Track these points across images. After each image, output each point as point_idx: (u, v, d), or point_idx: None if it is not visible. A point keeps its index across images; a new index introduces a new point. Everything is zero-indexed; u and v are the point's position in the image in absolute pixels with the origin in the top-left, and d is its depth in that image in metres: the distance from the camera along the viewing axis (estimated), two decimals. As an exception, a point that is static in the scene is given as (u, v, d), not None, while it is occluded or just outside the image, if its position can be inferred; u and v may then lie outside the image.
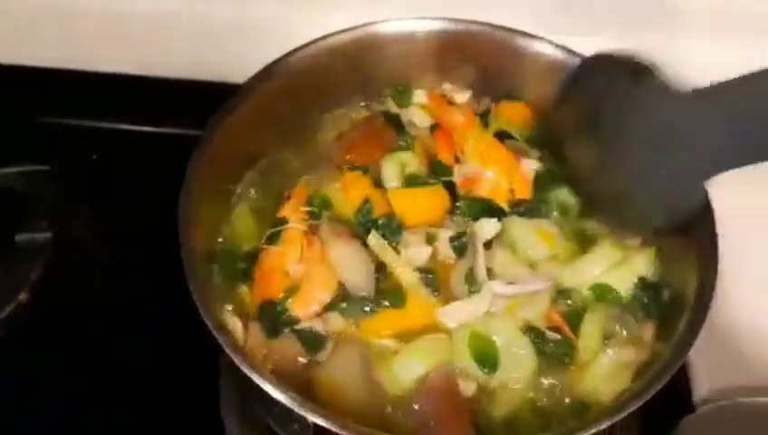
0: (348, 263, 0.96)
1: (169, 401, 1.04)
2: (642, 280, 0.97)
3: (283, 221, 1.01)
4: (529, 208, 1.04)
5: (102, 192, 1.26)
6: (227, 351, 0.83)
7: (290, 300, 0.96)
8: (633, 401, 0.83)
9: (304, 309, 0.95)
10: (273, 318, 0.95)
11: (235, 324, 0.94)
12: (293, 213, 1.02)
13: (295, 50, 1.07)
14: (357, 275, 0.96)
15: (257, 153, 1.09)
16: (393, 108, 1.16)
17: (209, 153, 0.99)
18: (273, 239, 1.00)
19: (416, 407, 0.90)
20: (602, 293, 0.97)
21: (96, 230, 1.23)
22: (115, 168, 1.30)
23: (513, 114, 1.13)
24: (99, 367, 1.06)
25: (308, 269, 0.97)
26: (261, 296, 0.97)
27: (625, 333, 0.94)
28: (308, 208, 1.03)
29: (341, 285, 0.96)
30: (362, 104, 1.16)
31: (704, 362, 1.08)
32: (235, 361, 0.82)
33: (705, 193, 0.89)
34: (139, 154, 1.30)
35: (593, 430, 0.81)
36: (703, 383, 1.07)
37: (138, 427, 1.03)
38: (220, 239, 1.03)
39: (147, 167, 1.27)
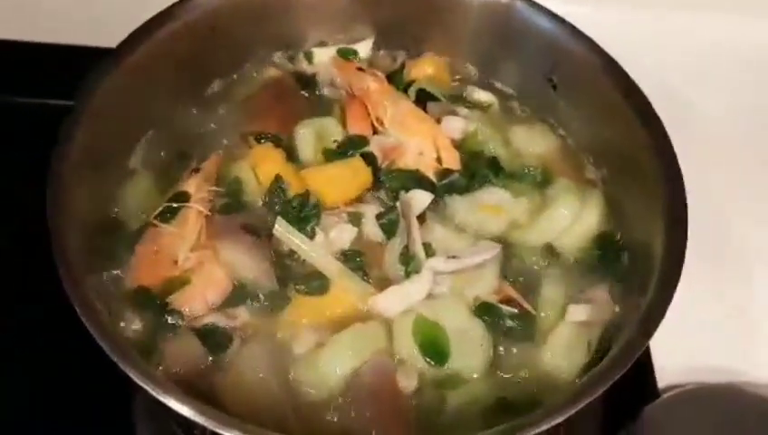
0: (241, 261, 0.82)
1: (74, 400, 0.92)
2: (599, 236, 0.88)
3: (184, 197, 0.85)
4: (461, 183, 0.91)
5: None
6: (103, 347, 0.64)
7: (174, 294, 0.80)
8: (600, 382, 0.70)
9: (190, 308, 0.80)
10: (152, 311, 0.79)
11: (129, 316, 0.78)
12: (198, 190, 0.86)
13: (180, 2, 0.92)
14: (253, 272, 0.82)
15: (151, 119, 0.92)
16: (306, 67, 1.03)
17: (85, 122, 0.82)
18: (167, 216, 0.83)
19: (343, 410, 0.74)
20: (555, 252, 0.87)
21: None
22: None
23: (431, 69, 1.02)
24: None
25: (200, 261, 0.82)
26: (136, 280, 0.81)
27: (582, 293, 0.84)
28: (213, 189, 0.87)
29: (240, 284, 0.82)
30: (270, 62, 1.02)
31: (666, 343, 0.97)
32: (116, 361, 0.63)
33: None
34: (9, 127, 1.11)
35: (559, 419, 0.67)
36: (665, 367, 1.00)
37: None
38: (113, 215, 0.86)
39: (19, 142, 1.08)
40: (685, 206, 0.79)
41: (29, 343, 0.96)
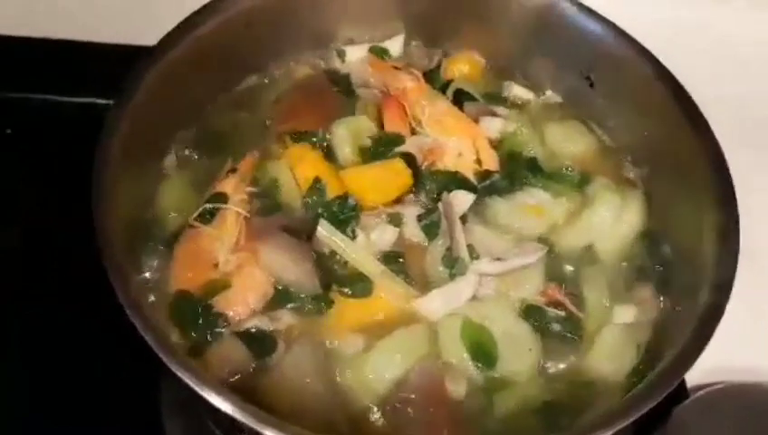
0: (282, 263, 0.80)
1: (107, 402, 0.92)
2: (641, 235, 0.87)
3: (222, 198, 0.83)
4: (502, 185, 0.90)
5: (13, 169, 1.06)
6: (155, 349, 0.63)
7: (216, 297, 0.78)
8: (654, 393, 0.69)
9: (233, 311, 0.78)
10: (195, 314, 0.77)
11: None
12: (235, 191, 0.84)
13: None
14: (295, 275, 0.80)
15: (186, 117, 0.91)
16: (340, 66, 1.01)
17: (125, 119, 0.80)
18: (206, 217, 0.82)
19: (392, 416, 0.73)
20: (597, 253, 0.86)
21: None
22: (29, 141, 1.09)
23: (467, 67, 1.00)
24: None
25: (241, 264, 0.80)
26: (177, 283, 0.79)
27: (627, 294, 0.83)
28: (252, 189, 0.86)
29: (282, 286, 0.80)
30: (303, 60, 1.00)
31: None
32: (165, 361, 0.62)
33: None
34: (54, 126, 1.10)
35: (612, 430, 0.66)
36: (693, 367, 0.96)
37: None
38: (150, 216, 0.85)
39: (62, 140, 1.06)
40: (736, 212, 0.78)
41: (59, 341, 0.96)
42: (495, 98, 0.99)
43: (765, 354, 1.06)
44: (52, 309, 0.98)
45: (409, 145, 0.92)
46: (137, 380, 0.93)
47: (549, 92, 1.01)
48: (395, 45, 1.03)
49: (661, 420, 0.96)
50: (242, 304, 0.78)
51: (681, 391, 1.00)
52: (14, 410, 0.91)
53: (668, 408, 0.96)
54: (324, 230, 0.81)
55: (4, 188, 1.07)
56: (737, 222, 0.77)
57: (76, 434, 0.92)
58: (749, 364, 1.04)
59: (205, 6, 0.89)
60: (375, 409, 0.73)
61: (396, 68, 0.99)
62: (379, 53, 1.02)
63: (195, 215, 0.82)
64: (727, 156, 0.83)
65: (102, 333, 0.94)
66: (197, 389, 0.61)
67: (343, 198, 0.85)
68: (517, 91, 1.00)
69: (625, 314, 0.81)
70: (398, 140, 0.92)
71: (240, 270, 0.80)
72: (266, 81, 0.98)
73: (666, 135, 0.88)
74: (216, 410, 0.62)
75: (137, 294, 0.69)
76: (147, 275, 0.81)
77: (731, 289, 0.73)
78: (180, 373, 0.62)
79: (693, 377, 0.99)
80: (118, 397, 0.93)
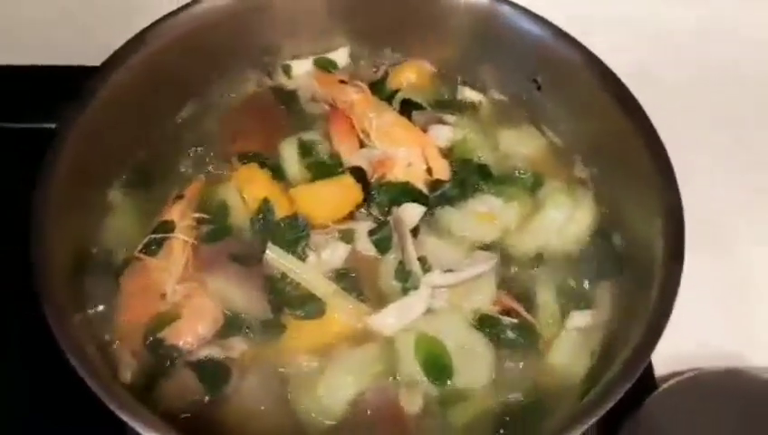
0: (231, 292, 0.80)
1: None
2: (594, 235, 0.88)
3: (168, 226, 0.83)
4: (453, 194, 0.90)
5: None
6: (99, 395, 0.61)
7: (165, 329, 0.78)
8: (618, 384, 0.69)
9: (183, 343, 0.78)
10: (145, 349, 0.77)
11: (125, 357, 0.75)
12: (182, 218, 0.83)
13: (162, 19, 0.89)
14: (244, 302, 0.80)
15: (131, 143, 0.90)
16: (286, 81, 1.00)
17: (67, 149, 0.79)
18: (152, 248, 0.81)
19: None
20: (550, 256, 0.86)
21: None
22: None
23: (414, 76, 1.00)
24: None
25: (189, 294, 0.79)
26: (125, 317, 0.78)
27: (581, 296, 0.83)
28: (198, 215, 0.85)
29: (232, 314, 0.79)
30: (249, 78, 0.99)
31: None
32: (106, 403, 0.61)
33: None
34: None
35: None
36: (661, 356, 0.95)
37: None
38: (95, 250, 0.83)
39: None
40: (678, 200, 0.78)
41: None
42: (444, 105, 0.98)
43: (731, 340, 1.06)
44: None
45: (358, 158, 0.92)
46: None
47: (498, 96, 1.00)
48: (341, 57, 1.02)
49: (631, 412, 0.97)
50: (192, 334, 0.77)
51: (649, 382, 1.00)
52: (14, 410, 0.90)
53: (638, 399, 0.97)
54: (273, 254, 0.81)
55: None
56: (680, 215, 0.78)
57: (76, 434, 0.90)
58: (717, 351, 1.04)
59: (148, 27, 0.88)
60: (332, 431, 0.73)
61: (342, 81, 0.98)
62: (326, 64, 1.01)
63: (140, 247, 0.81)
64: (674, 145, 0.83)
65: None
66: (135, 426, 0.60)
67: (293, 218, 0.85)
68: (468, 94, 1.00)
69: (581, 319, 0.81)
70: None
71: (188, 300, 0.79)
72: (212, 101, 0.96)
73: (608, 131, 0.88)
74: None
75: (79, 336, 0.68)
76: (97, 309, 0.79)
77: (678, 283, 0.74)
78: (119, 412, 0.61)
79: (661, 367, 1.01)
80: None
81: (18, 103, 1.12)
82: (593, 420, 0.67)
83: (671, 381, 0.98)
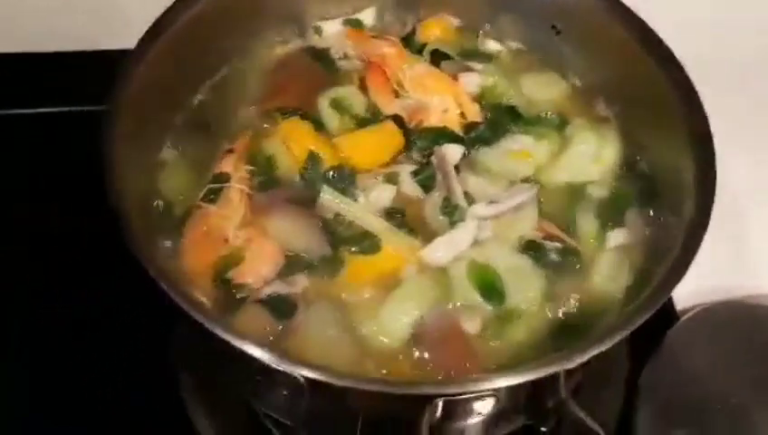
0: (290, 232, 0.84)
1: (106, 402, 0.94)
2: (622, 165, 0.93)
3: (223, 178, 0.87)
4: (487, 135, 0.95)
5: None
6: (198, 318, 0.66)
7: (230, 272, 0.82)
8: (652, 302, 0.74)
9: (248, 283, 0.82)
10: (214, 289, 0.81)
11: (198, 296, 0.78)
12: (236, 170, 0.88)
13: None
14: (303, 241, 0.84)
15: (176, 106, 0.94)
16: (318, 41, 1.04)
17: (120, 120, 0.82)
18: (210, 197, 0.85)
19: (416, 356, 0.77)
20: (582, 186, 0.91)
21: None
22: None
23: (439, 30, 1.04)
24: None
25: (250, 238, 0.84)
26: (190, 262, 0.82)
27: (615, 220, 0.88)
28: (250, 168, 0.89)
29: (293, 254, 0.83)
30: (278, 39, 1.03)
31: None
32: (207, 325, 0.65)
33: None
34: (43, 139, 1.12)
35: (609, 343, 0.71)
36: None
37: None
38: (156, 203, 0.87)
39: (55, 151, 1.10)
40: (708, 129, 0.83)
41: (59, 341, 0.98)
42: (470, 54, 1.03)
43: (747, 273, 1.12)
44: (52, 309, 1.00)
45: (396, 108, 0.96)
46: (137, 380, 0.96)
47: (518, 44, 1.05)
48: (368, 17, 1.06)
49: (655, 345, 1.02)
50: (256, 275, 0.82)
51: (671, 315, 1.06)
52: (14, 410, 0.93)
53: (661, 332, 1.03)
54: (328, 195, 0.85)
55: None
56: (712, 151, 0.82)
57: (76, 434, 0.93)
58: (731, 284, 1.10)
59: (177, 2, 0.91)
60: (398, 351, 0.78)
61: (373, 37, 1.03)
62: (354, 24, 1.05)
63: (201, 196, 0.86)
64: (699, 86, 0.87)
65: (102, 332, 0.99)
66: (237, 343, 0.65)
67: (338, 167, 0.89)
68: (491, 45, 1.05)
69: (615, 237, 0.86)
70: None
71: (250, 244, 0.83)
72: (248, 63, 1.00)
73: (632, 70, 0.92)
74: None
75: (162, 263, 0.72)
76: (165, 256, 0.83)
77: (712, 204, 0.78)
78: (217, 331, 0.66)
79: (682, 301, 1.07)
80: (118, 397, 0.96)
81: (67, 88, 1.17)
82: (631, 329, 0.72)
83: (690, 314, 1.05)
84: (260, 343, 0.66)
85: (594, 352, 0.69)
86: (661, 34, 0.91)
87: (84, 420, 0.93)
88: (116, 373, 0.97)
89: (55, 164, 1.11)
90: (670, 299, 1.04)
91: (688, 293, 1.08)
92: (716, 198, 0.95)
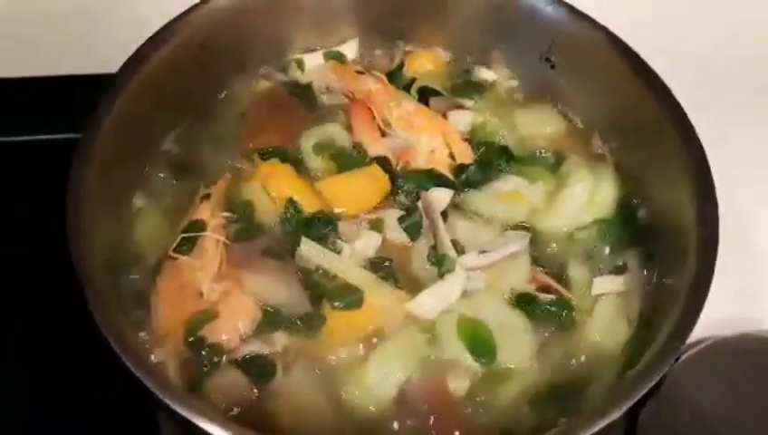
0: (268, 287, 0.80)
1: (107, 402, 0.88)
2: (618, 207, 0.89)
3: (198, 226, 0.82)
4: (477, 177, 0.90)
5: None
6: (152, 389, 0.61)
7: (205, 328, 0.77)
8: (664, 359, 0.70)
9: (224, 341, 0.77)
10: (187, 349, 0.76)
11: (167, 360, 0.74)
12: (212, 217, 0.83)
13: (173, 21, 0.88)
14: (282, 296, 0.79)
15: (151, 147, 0.90)
16: (300, 75, 1.00)
17: (93, 155, 0.79)
18: (184, 247, 0.81)
19: (401, 425, 0.72)
20: (578, 230, 0.87)
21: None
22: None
23: (429, 63, 1.00)
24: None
25: (227, 291, 0.79)
26: (163, 318, 0.78)
27: (611, 265, 0.85)
28: (227, 214, 0.85)
29: (271, 309, 0.79)
30: (262, 74, 0.99)
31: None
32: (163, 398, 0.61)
33: None
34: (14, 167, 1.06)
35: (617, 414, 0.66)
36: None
37: None
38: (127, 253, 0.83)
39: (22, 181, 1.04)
40: (710, 175, 0.79)
41: (59, 341, 0.93)
42: (461, 89, 0.99)
43: (748, 305, 1.07)
44: (52, 309, 0.95)
45: (382, 148, 0.92)
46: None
47: (512, 78, 1.01)
48: (350, 49, 1.02)
49: (657, 385, 0.98)
50: (232, 331, 0.77)
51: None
52: (14, 410, 0.89)
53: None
54: (307, 246, 0.81)
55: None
56: (712, 185, 0.78)
57: (76, 434, 0.90)
58: (734, 316, 1.04)
59: (160, 30, 0.87)
60: (382, 419, 0.73)
61: (358, 72, 0.98)
62: (336, 57, 1.01)
63: (173, 246, 0.81)
64: (693, 116, 0.84)
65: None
66: (197, 422, 0.60)
67: (320, 214, 0.85)
68: (484, 75, 1.01)
69: (609, 283, 0.82)
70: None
71: (226, 298, 0.79)
72: (227, 100, 0.96)
73: (629, 106, 0.89)
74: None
75: (129, 337, 0.68)
76: (134, 311, 0.79)
77: (716, 251, 0.74)
78: (179, 409, 0.61)
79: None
80: (118, 397, 0.89)
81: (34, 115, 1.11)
82: (634, 399, 0.68)
83: (692, 351, 0.98)
84: (221, 423, 0.61)
85: (594, 429, 0.65)
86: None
87: (84, 420, 0.89)
88: (116, 373, 0.92)
89: (55, 164, 1.06)
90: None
91: (699, 325, 1.03)
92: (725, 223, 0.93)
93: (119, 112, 0.81)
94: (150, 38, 0.86)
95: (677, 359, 1.00)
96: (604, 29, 0.90)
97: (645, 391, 0.68)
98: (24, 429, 0.89)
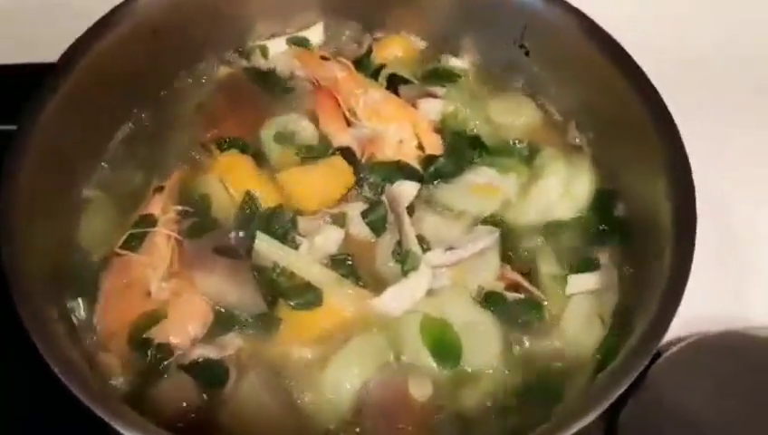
0: (221, 287, 0.75)
1: None
2: (594, 200, 0.84)
3: (149, 221, 0.78)
4: (447, 168, 0.86)
5: None
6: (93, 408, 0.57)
7: (152, 330, 0.73)
8: (635, 359, 0.66)
9: (172, 343, 0.73)
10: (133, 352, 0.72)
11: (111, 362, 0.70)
12: (164, 212, 0.79)
13: (121, 5, 0.83)
14: (235, 296, 0.75)
15: (102, 137, 0.85)
16: (263, 62, 0.95)
17: (32, 147, 0.73)
18: (132, 244, 0.76)
19: (359, 430, 0.69)
20: (552, 224, 0.83)
21: None
22: None
23: (400, 49, 0.96)
24: None
25: (177, 291, 0.75)
26: (108, 318, 0.74)
27: (585, 262, 0.80)
28: (181, 208, 0.80)
29: (224, 310, 0.75)
30: (223, 61, 0.94)
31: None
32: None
33: None
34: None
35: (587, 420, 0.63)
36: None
37: None
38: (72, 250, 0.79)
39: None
40: (688, 167, 0.75)
41: None
42: (432, 77, 0.94)
43: (730, 302, 1.04)
44: None
45: (347, 138, 0.87)
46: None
47: (486, 65, 0.96)
48: (315, 34, 0.97)
49: (637, 384, 0.95)
50: (181, 333, 0.73)
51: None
52: (14, 410, 0.86)
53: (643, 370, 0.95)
54: (263, 243, 0.76)
55: None
56: (690, 177, 0.74)
57: (76, 434, 0.85)
58: (716, 313, 1.01)
59: (106, 16, 0.82)
60: (339, 427, 0.69)
61: (324, 58, 0.93)
62: (301, 43, 0.96)
63: (120, 242, 0.77)
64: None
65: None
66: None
67: (279, 209, 0.80)
68: (456, 63, 0.96)
69: (582, 282, 0.78)
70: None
71: (176, 298, 0.74)
72: (184, 88, 0.91)
73: (606, 95, 0.84)
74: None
75: (61, 343, 0.63)
76: (79, 311, 0.75)
77: (693, 248, 0.70)
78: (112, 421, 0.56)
79: (671, 331, 0.99)
80: None
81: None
82: (609, 401, 0.64)
83: (674, 349, 0.96)
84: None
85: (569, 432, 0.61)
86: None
87: (84, 420, 0.85)
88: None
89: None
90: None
91: (681, 322, 1.00)
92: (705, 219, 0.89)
93: (61, 103, 0.76)
94: (95, 24, 0.81)
95: (659, 357, 0.97)
96: (578, 13, 0.85)
97: (620, 392, 0.64)
98: (25, 429, 0.86)
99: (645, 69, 0.84)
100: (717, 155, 1.09)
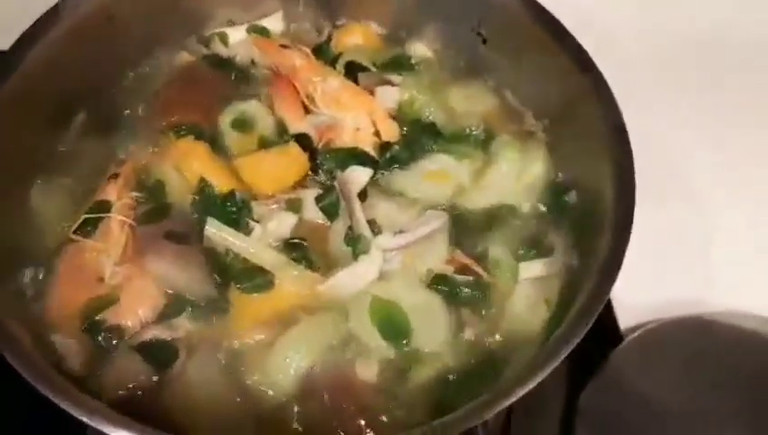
0: (170, 272, 0.76)
1: None
2: (546, 187, 0.85)
3: (104, 206, 0.79)
4: (403, 155, 0.87)
5: None
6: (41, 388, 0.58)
7: (104, 313, 0.74)
8: (567, 340, 0.67)
9: (123, 326, 0.74)
10: (84, 333, 0.73)
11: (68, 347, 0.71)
12: (119, 198, 0.80)
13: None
14: (185, 280, 0.76)
15: (58, 123, 0.85)
16: (223, 49, 0.95)
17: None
18: (87, 229, 0.77)
19: (304, 413, 0.70)
20: (505, 210, 0.83)
21: None
22: None
23: (359, 37, 0.96)
24: None
25: (129, 276, 0.76)
26: (60, 301, 0.74)
27: (535, 247, 0.81)
28: (136, 194, 0.81)
29: (175, 294, 0.76)
30: (182, 47, 0.94)
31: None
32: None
33: None
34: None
35: (529, 386, 0.64)
36: (624, 308, 0.97)
37: None
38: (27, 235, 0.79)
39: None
40: (629, 150, 0.76)
41: None
42: (390, 65, 0.95)
43: (694, 286, 1.05)
44: None
45: (304, 125, 0.88)
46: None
47: (444, 52, 0.97)
48: (275, 23, 0.98)
49: (599, 366, 0.96)
50: (132, 316, 0.74)
51: (615, 335, 0.98)
52: (14, 410, 0.86)
53: (604, 353, 0.95)
54: (213, 228, 0.77)
55: None
56: (631, 164, 0.75)
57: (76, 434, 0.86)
58: (680, 297, 1.03)
59: (58, 3, 0.83)
60: (286, 407, 0.70)
61: (283, 46, 0.94)
62: (260, 32, 0.97)
63: (74, 227, 0.77)
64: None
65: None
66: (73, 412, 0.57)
67: (231, 194, 0.81)
68: (416, 50, 0.97)
69: (532, 269, 0.79)
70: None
71: (128, 282, 0.75)
72: (143, 75, 0.92)
73: (559, 82, 0.85)
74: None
75: (10, 325, 0.64)
76: (31, 296, 0.76)
77: (630, 231, 0.71)
78: (58, 400, 0.57)
79: (625, 319, 1.00)
80: None
81: None
82: (551, 368, 0.65)
83: (635, 334, 0.97)
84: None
85: (506, 403, 0.63)
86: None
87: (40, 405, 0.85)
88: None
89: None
90: (613, 318, 0.98)
91: (637, 310, 1.00)
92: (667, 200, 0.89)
93: (13, 91, 0.77)
94: (49, 11, 0.81)
95: (621, 341, 0.98)
96: (532, 1, 0.86)
97: (551, 368, 0.65)
98: (24, 429, 0.87)
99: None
100: (720, 155, 1.11)
